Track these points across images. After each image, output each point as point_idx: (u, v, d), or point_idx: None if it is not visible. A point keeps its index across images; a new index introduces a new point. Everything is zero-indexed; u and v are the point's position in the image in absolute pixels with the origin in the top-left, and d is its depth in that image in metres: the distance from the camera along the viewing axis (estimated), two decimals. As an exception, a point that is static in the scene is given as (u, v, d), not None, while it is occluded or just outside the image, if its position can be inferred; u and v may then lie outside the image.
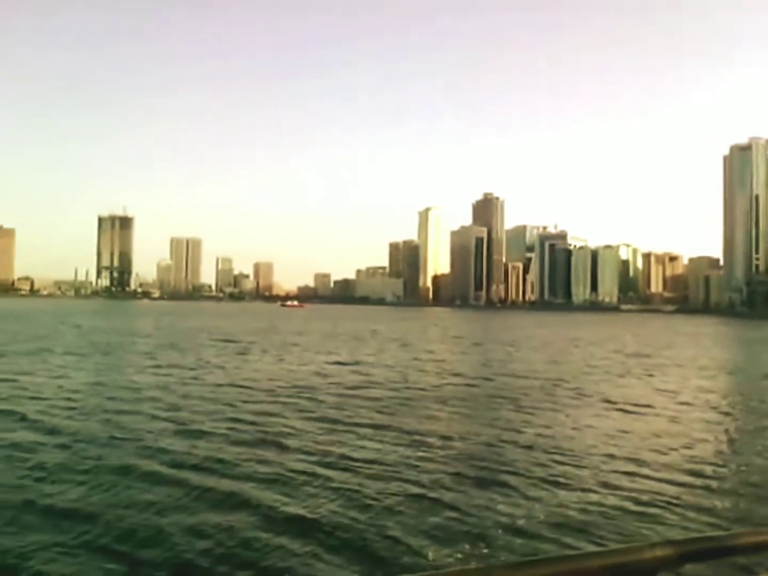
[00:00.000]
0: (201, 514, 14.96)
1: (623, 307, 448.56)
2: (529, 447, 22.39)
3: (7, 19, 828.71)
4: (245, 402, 31.27)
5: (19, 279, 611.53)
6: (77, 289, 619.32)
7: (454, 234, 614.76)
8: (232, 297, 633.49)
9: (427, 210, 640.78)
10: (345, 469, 18.91)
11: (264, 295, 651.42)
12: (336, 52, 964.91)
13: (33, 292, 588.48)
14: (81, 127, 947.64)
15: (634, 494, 16.87)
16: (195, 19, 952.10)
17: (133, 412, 27.84)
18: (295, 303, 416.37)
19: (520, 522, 14.68)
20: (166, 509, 15.23)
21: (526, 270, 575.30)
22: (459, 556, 12.69)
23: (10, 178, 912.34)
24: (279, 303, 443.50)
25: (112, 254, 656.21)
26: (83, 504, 15.44)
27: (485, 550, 12.97)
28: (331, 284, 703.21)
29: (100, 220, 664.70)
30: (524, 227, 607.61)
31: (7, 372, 40.78)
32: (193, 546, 13.18)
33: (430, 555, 12.70)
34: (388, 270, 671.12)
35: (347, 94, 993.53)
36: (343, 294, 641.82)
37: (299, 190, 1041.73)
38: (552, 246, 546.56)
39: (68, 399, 31.11)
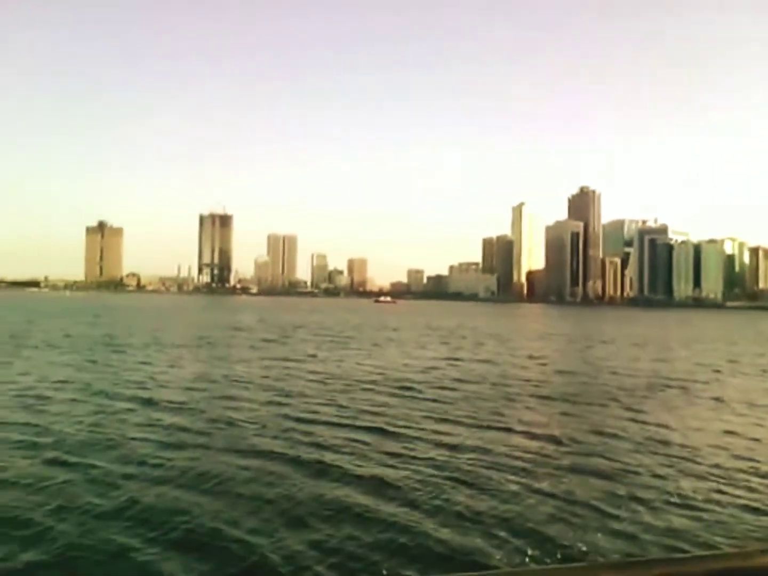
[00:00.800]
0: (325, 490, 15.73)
1: (729, 304, 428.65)
2: (638, 445, 22.18)
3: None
4: (351, 395, 32.12)
5: (126, 275, 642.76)
6: (180, 285, 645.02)
7: (548, 229, 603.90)
8: (327, 292, 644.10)
9: (520, 205, 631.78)
10: (454, 462, 19.33)
11: (358, 290, 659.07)
12: (456, 51, 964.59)
13: (139, 287, 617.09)
14: (182, 129, 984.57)
15: (754, 495, 16.54)
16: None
17: (247, 401, 29.12)
18: (388, 299, 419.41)
19: (630, 523, 14.68)
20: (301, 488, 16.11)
21: (624, 265, 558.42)
22: (560, 554, 12.84)
23: (118, 178, 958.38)
24: (372, 299, 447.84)
25: (212, 251, 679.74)
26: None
27: (590, 548, 13.07)
28: (424, 280, 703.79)
29: (201, 218, 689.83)
30: (622, 221, 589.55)
31: (134, 364, 43.49)
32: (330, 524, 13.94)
33: (530, 551, 12.91)
34: (481, 266, 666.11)
35: (445, 92, 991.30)
36: (436, 290, 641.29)
37: (394, 187, 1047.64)
38: (652, 240, 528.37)
39: (187, 389, 32.87)
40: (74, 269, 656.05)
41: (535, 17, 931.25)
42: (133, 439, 21.35)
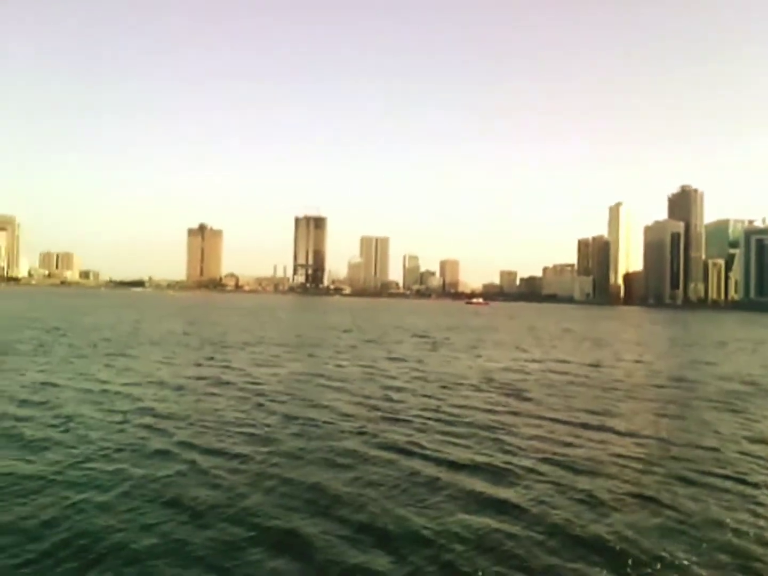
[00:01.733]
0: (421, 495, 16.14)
1: None
2: (749, 454, 21.51)
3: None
4: (450, 395, 32.38)
5: (225, 276, 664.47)
6: (276, 286, 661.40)
7: (647, 229, 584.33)
8: (419, 294, 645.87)
9: (617, 205, 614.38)
10: (559, 465, 19.31)
11: (450, 292, 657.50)
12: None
13: (237, 287, 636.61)
14: (277, 133, 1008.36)
15: None
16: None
17: (344, 402, 29.83)
18: (480, 300, 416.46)
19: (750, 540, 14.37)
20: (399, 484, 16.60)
21: (728, 267, 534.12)
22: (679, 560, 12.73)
23: (218, 183, 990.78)
24: (464, 300, 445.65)
25: (307, 253, 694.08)
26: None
27: (701, 557, 12.94)
28: (517, 282, 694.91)
29: (297, 220, 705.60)
30: (727, 221, 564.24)
31: (233, 362, 45.20)
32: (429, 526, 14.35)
33: (642, 556, 12.87)
34: (576, 267, 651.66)
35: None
36: (529, 292, 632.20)
37: (485, 188, 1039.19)
38: (759, 241, 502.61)
39: (289, 387, 33.99)
40: (177, 270, 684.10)
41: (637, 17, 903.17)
42: (268, 426, 22.47)
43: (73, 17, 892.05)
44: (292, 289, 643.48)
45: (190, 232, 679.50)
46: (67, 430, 21.86)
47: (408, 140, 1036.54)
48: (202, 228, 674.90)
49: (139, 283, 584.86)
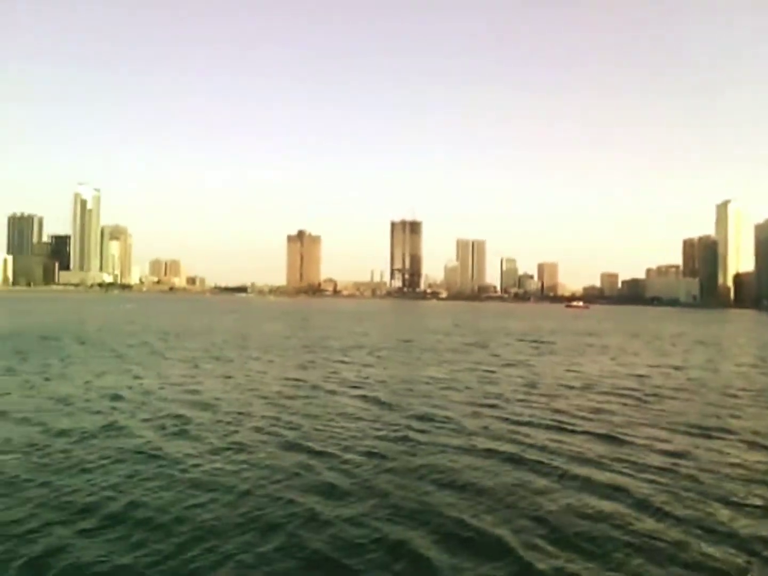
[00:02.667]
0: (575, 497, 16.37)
1: None
2: None
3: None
4: (567, 399, 32.25)
5: (324, 281, 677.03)
6: (373, 290, 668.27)
7: (759, 227, 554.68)
8: (517, 297, 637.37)
9: (725, 203, 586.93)
10: (683, 471, 19.12)
11: (548, 295, 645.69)
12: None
13: (335, 292, 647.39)
14: (371, 138, 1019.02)
15: None
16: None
17: (464, 403, 30.25)
18: (580, 303, 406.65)
19: None
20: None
21: None
22: None
23: (315, 188, 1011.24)
24: (564, 304, 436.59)
25: (403, 257, 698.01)
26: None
27: None
28: (619, 284, 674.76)
29: (393, 225, 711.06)
30: None
31: (344, 363, 46.47)
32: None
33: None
34: (681, 268, 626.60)
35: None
36: (632, 294, 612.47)
37: (583, 187, 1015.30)
38: None
39: (402, 390, 34.70)
40: (277, 275, 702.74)
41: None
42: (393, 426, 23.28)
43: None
44: (389, 294, 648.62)
45: (290, 238, 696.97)
46: (195, 428, 23.31)
47: (503, 141, 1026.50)
48: (301, 234, 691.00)
49: (242, 289, 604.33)
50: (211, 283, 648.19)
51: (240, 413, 26.34)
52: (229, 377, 37.52)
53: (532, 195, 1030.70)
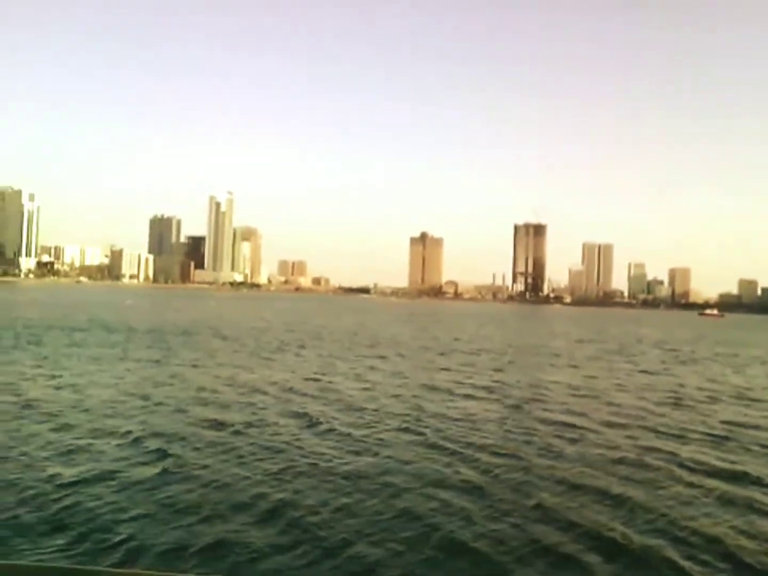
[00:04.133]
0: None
1: None
2: None
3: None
4: (719, 410, 30.64)
5: (445, 283, 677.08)
6: (495, 294, 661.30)
7: None
8: (645, 304, 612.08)
9: None
10: None
11: (679, 302, 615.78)
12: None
13: (457, 295, 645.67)
14: (493, 138, 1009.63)
15: None
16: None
17: (603, 412, 29.33)
18: (715, 312, 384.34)
19: None
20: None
21: None
22: None
23: (438, 190, 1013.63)
24: (696, 311, 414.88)
25: (526, 260, 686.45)
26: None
27: None
28: (758, 291, 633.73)
29: (516, 228, 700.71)
30: None
31: (474, 367, 46.29)
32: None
33: None
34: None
35: None
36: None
37: (718, 187, 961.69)
38: None
39: (541, 396, 34.12)
40: (399, 277, 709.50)
41: None
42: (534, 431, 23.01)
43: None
44: (511, 298, 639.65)
45: (412, 240, 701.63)
46: (345, 424, 23.87)
47: (629, 141, 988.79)
48: (423, 236, 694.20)
49: (365, 290, 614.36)
50: (335, 283, 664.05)
51: (378, 411, 26.76)
52: (364, 377, 38.18)
53: (662, 197, 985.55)
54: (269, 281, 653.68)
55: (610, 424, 26.11)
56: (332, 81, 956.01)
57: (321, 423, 23.89)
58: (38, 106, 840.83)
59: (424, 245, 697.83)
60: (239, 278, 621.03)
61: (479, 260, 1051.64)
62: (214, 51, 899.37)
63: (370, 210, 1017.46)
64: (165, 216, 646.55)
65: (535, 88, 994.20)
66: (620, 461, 20.03)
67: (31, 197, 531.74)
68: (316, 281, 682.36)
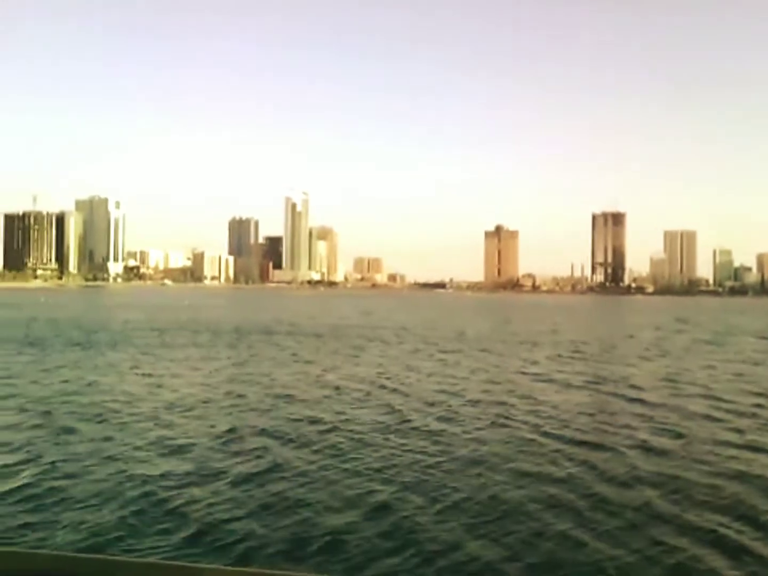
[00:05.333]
0: None
1: None
2: None
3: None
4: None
5: (522, 276, 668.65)
6: (573, 285, 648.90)
7: None
8: (732, 291, 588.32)
9: None
10: None
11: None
12: None
13: (534, 288, 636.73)
14: (571, 126, 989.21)
15: None
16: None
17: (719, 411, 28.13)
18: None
19: None
20: None
21: None
22: None
23: (512, 183, 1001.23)
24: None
25: (605, 250, 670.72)
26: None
27: None
28: None
29: (594, 217, 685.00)
30: None
31: (583, 359, 45.32)
32: None
33: None
34: None
35: None
36: None
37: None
38: None
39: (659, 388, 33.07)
40: (475, 271, 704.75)
41: None
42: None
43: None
44: (590, 289, 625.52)
45: (487, 234, 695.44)
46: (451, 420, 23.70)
47: (709, 126, 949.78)
48: (498, 229, 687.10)
49: (440, 285, 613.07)
50: (410, 279, 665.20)
51: (470, 405, 26.59)
52: (451, 371, 37.97)
53: (747, 180, 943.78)
54: (345, 279, 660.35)
55: (712, 419, 24.94)
56: (405, 79, 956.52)
57: (414, 418, 23.83)
58: (127, 117, 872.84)
59: (499, 238, 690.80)
60: (316, 277, 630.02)
61: (556, 252, 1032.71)
62: (287, 50, 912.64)
63: (444, 205, 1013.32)
64: (243, 218, 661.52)
65: (612, 74, 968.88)
66: (732, 458, 19.06)
67: (117, 205, 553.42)
68: (392, 278, 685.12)
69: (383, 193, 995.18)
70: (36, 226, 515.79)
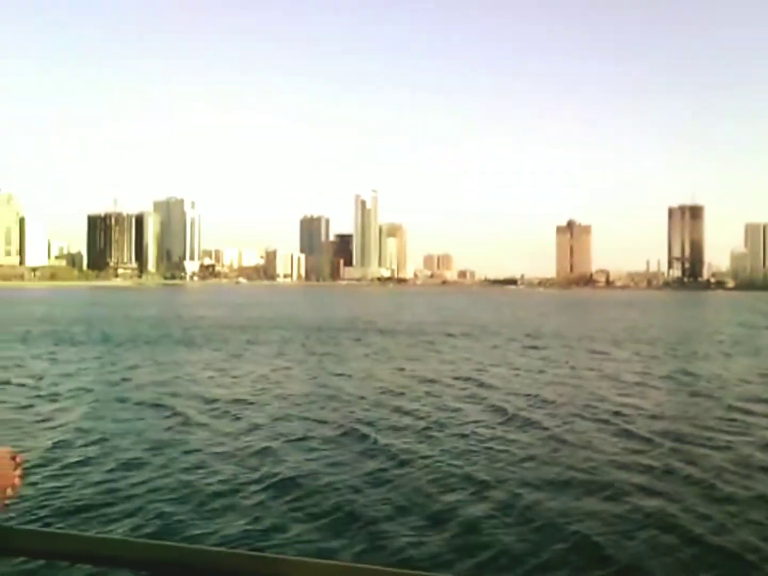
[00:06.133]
0: None
1: None
2: None
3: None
4: None
5: (596, 272, 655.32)
6: (649, 280, 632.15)
7: None
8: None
9: None
10: None
11: None
12: None
13: (608, 284, 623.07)
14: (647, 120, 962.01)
15: None
16: None
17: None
18: None
19: None
20: None
21: None
22: None
23: (584, 176, 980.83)
24: None
25: (682, 244, 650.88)
26: None
27: None
28: None
29: (670, 211, 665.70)
30: None
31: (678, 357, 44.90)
32: None
33: None
34: None
35: None
36: None
37: None
38: None
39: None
40: (546, 267, 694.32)
41: None
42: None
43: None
44: (666, 284, 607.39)
45: (559, 229, 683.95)
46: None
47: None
48: (570, 224, 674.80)
49: (511, 281, 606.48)
50: (480, 276, 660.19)
51: (565, 403, 26.76)
52: (537, 368, 38.20)
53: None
54: (415, 275, 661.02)
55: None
56: (483, 78, 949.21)
57: (513, 415, 24.14)
58: (196, 119, 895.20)
59: (571, 234, 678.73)
60: (386, 274, 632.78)
61: (631, 247, 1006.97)
62: (364, 61, 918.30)
63: (514, 200, 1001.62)
64: (314, 216, 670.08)
65: (690, 61, 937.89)
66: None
67: (192, 205, 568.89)
68: (462, 274, 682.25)
69: (452, 190, 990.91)
70: (117, 227, 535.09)
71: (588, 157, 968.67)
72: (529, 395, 28.75)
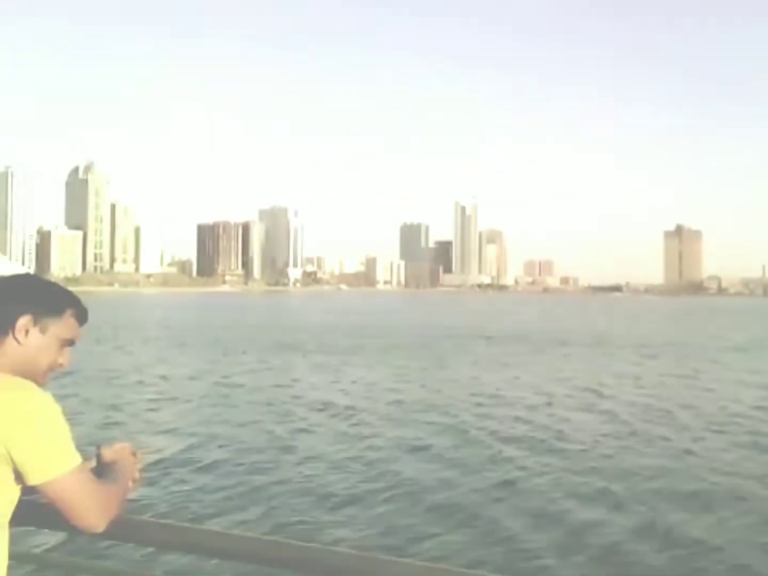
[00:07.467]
0: None
1: None
2: None
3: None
4: None
5: (707, 278, 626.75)
6: (765, 288, 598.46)
7: None
8: None
9: None
10: None
11: None
12: None
13: (720, 290, 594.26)
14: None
15: None
16: None
17: None
18: None
19: None
20: None
21: None
22: None
23: (693, 181, 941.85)
24: None
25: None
26: None
27: None
28: None
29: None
30: None
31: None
32: None
33: None
34: None
35: None
36: None
37: None
38: None
39: None
40: (653, 274, 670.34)
41: None
42: None
43: None
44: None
45: (667, 234, 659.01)
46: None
47: None
48: (679, 230, 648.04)
49: (616, 288, 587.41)
50: (583, 282, 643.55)
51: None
52: (658, 379, 36.71)
53: None
54: (516, 282, 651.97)
55: None
56: (589, 78, 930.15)
57: (638, 429, 23.17)
58: (295, 129, 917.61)
59: (680, 239, 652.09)
60: (486, 280, 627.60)
61: (747, 251, 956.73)
62: (457, 67, 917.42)
63: (618, 205, 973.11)
64: (414, 223, 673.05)
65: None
66: None
67: (296, 213, 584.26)
68: (564, 281, 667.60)
69: (554, 196, 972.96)
70: (224, 235, 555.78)
71: (695, 160, 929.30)
72: (650, 406, 27.60)
